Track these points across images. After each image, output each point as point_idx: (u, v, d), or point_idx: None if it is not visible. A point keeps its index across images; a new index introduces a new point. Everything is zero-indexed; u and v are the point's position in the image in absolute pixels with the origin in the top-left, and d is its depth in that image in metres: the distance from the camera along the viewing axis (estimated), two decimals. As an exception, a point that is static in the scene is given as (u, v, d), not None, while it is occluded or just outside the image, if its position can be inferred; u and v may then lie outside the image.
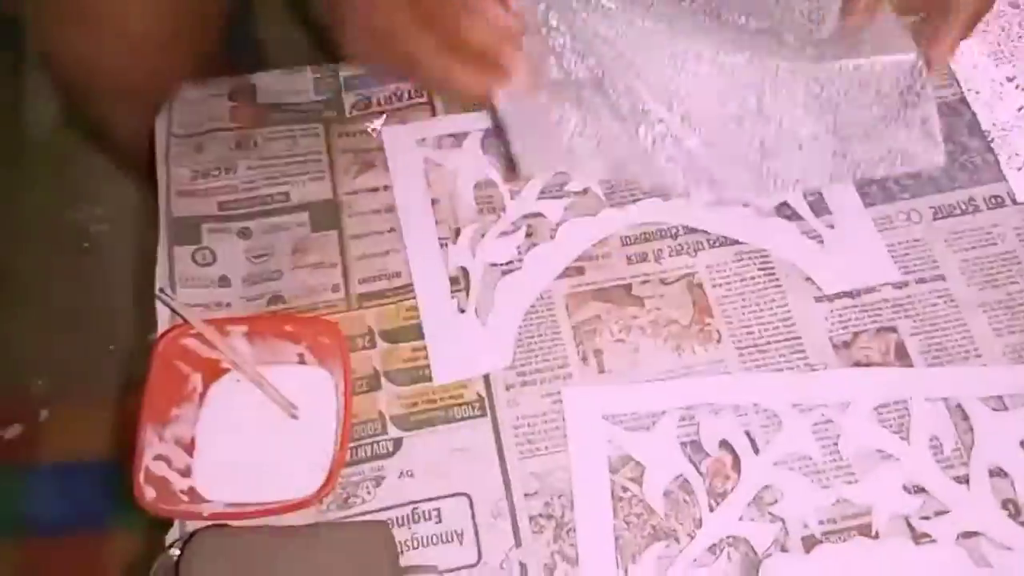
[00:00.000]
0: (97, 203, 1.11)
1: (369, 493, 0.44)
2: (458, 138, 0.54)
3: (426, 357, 0.47)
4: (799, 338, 0.48)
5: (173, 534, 0.43)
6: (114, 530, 0.88)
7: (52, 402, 0.97)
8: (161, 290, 0.46)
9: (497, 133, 0.44)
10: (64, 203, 1.11)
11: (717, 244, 0.50)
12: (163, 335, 0.44)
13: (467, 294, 0.49)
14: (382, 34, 0.42)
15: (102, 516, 0.89)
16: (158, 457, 0.42)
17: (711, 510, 0.43)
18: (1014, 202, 0.51)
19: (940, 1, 0.47)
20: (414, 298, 0.49)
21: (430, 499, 0.44)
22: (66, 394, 0.97)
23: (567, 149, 0.45)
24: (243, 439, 0.44)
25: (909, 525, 0.43)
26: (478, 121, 0.54)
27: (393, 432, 0.45)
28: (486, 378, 0.47)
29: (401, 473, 0.44)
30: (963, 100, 0.55)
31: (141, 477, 0.40)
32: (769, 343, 0.48)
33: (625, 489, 0.44)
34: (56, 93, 1.09)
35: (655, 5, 0.45)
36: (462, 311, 0.48)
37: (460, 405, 0.46)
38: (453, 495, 0.44)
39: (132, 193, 1.01)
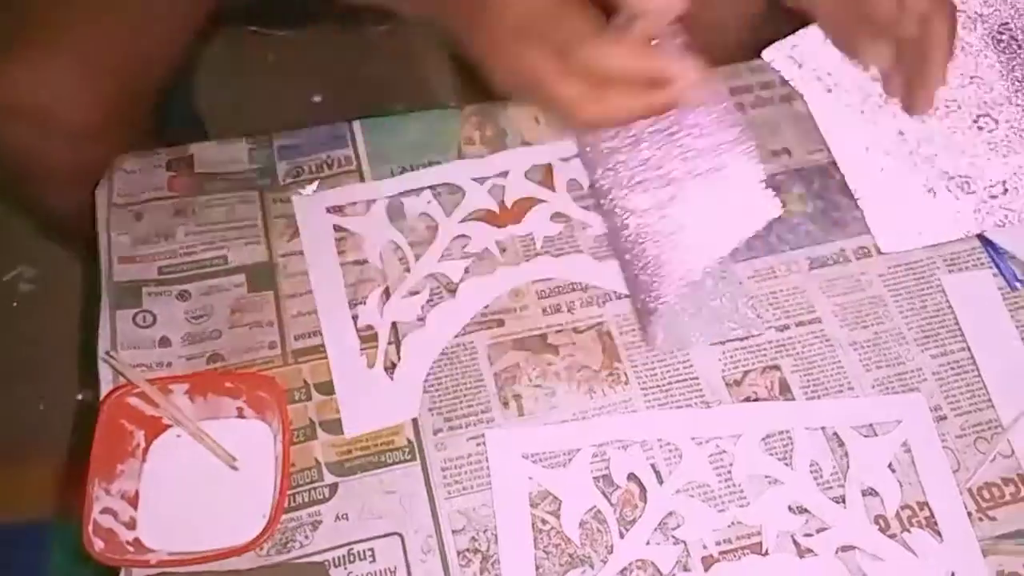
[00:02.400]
0: (26, 263, 1.11)
1: (307, 537, 0.47)
2: (366, 204, 0.58)
3: (359, 407, 0.51)
4: (696, 378, 0.53)
5: (118, 585, 0.45)
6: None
7: (-19, 461, 0.96)
8: (108, 353, 0.48)
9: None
10: (-9, 263, 1.11)
11: (623, 296, 0.56)
12: (108, 395, 0.46)
13: (375, 351, 0.52)
14: (529, 82, 0.46)
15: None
16: (105, 510, 0.44)
17: (621, 537, 0.48)
18: (879, 252, 0.59)
19: (916, 52, 0.56)
20: (347, 352, 0.53)
21: (364, 540, 0.47)
22: (-5, 453, 0.97)
23: None
24: (184, 491, 0.47)
25: (795, 542, 0.48)
26: (384, 188, 0.58)
27: (329, 478, 0.49)
28: (415, 423, 0.51)
29: (337, 516, 0.48)
30: (834, 163, 0.62)
31: (90, 529, 0.43)
32: (670, 383, 0.53)
33: (544, 522, 0.48)
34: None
35: None
36: (371, 367, 0.52)
37: (392, 450, 0.50)
38: (386, 535, 0.47)
39: (60, 254, 1.02)
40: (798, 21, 0.67)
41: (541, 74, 0.44)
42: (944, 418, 0.52)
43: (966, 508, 0.49)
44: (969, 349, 0.55)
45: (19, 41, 0.58)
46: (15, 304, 1.09)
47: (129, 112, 0.61)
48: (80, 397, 1.02)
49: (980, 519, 0.49)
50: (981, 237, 0.59)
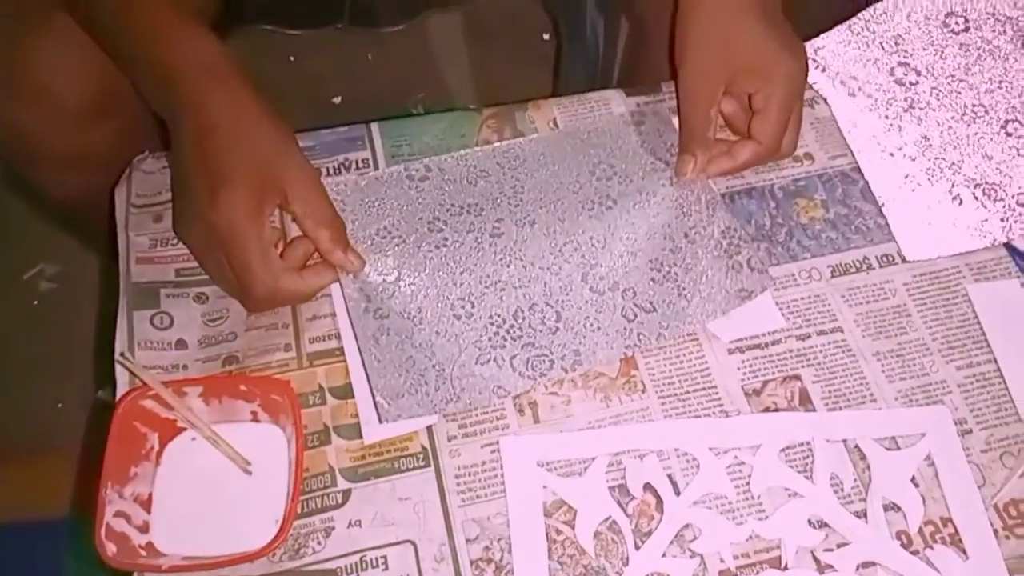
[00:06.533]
0: (47, 260, 1.12)
1: (319, 543, 0.47)
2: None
3: (373, 412, 0.51)
4: (715, 387, 0.52)
5: (130, 588, 0.45)
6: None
7: (0, 460, 0.97)
8: (122, 354, 0.48)
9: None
10: (13, 262, 1.11)
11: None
12: (123, 397, 0.46)
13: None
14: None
15: (53, 574, 0.88)
16: (118, 514, 0.44)
17: (637, 548, 0.47)
18: (903, 260, 0.57)
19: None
20: (361, 356, 0.52)
21: (377, 547, 0.47)
22: (14, 451, 0.97)
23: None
24: (198, 495, 0.47)
25: (814, 557, 0.47)
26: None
27: (342, 484, 0.48)
28: (429, 430, 0.50)
29: (350, 523, 0.47)
30: (856, 168, 0.61)
31: (102, 533, 0.42)
32: (688, 392, 0.52)
33: (559, 531, 0.48)
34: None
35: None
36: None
37: (405, 456, 0.49)
38: (399, 543, 0.47)
39: (81, 250, 1.03)
40: (819, 26, 0.66)
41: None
42: (969, 432, 0.51)
43: (992, 525, 0.48)
44: (995, 361, 0.53)
45: (21, 20, 0.57)
46: (36, 302, 1.09)
47: (131, 96, 0.60)
48: (99, 395, 1.02)
49: (1007, 537, 0.48)
50: (1008, 246, 0.58)
